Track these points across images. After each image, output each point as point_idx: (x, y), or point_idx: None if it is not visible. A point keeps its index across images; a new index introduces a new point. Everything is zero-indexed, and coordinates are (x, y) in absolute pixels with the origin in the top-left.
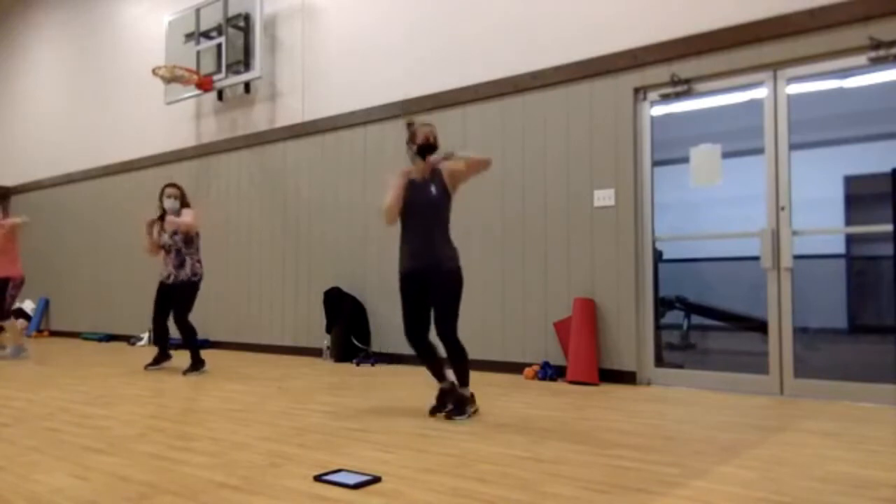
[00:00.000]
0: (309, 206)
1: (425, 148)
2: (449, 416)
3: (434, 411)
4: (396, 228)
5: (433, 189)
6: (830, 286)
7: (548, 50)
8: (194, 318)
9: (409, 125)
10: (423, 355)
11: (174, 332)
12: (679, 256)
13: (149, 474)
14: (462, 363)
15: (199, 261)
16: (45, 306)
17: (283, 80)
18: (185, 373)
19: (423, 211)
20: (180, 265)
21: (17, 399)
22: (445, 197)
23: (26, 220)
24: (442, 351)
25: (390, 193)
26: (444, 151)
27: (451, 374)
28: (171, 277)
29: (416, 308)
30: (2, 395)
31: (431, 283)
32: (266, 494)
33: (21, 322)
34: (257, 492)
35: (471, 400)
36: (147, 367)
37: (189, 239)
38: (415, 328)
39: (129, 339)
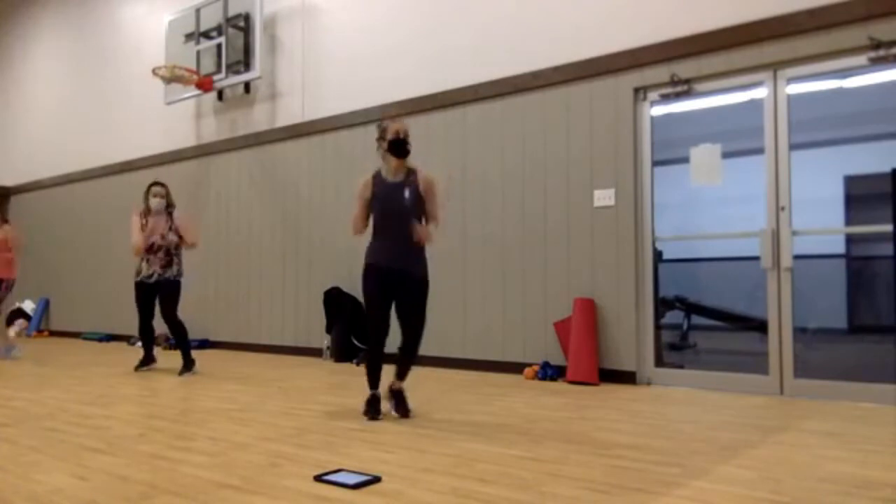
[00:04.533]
0: (309, 206)
1: (395, 143)
2: (405, 416)
3: (376, 416)
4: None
5: (407, 193)
6: (830, 286)
7: (548, 50)
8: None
9: (380, 122)
10: (378, 358)
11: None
12: (679, 256)
13: (149, 474)
14: (416, 358)
15: (181, 260)
16: (45, 306)
17: (283, 80)
18: (181, 374)
19: (398, 214)
20: (167, 265)
21: (17, 399)
22: (419, 202)
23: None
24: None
25: (355, 206)
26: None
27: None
28: (155, 276)
29: (384, 305)
30: (2, 395)
31: (405, 285)
32: (266, 494)
33: (21, 322)
34: (257, 492)
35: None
36: (137, 368)
37: (179, 242)
38: (383, 328)
39: (129, 339)
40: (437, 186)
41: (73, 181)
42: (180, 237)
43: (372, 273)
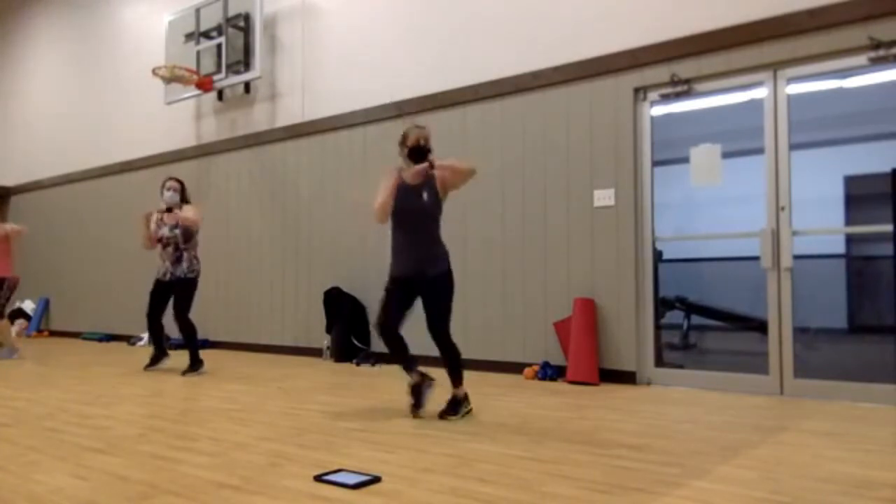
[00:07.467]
0: (309, 206)
1: (415, 150)
2: (442, 416)
3: (416, 409)
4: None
5: (425, 195)
6: (830, 286)
7: (548, 50)
8: (194, 317)
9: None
10: (395, 347)
11: (173, 332)
12: (679, 256)
13: (149, 474)
14: (456, 362)
15: (196, 257)
16: (45, 306)
17: (283, 80)
18: (184, 373)
19: (415, 217)
20: (177, 261)
21: (17, 399)
22: (437, 203)
23: (23, 230)
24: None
25: (382, 192)
26: (429, 160)
27: (420, 368)
28: (168, 274)
29: (397, 307)
30: (2, 395)
31: (424, 286)
32: (266, 494)
33: (21, 322)
34: (257, 492)
35: (464, 399)
36: (146, 367)
37: (188, 235)
38: (388, 323)
39: (129, 339)
40: (447, 163)
41: (73, 181)
42: (184, 226)
43: (392, 284)
